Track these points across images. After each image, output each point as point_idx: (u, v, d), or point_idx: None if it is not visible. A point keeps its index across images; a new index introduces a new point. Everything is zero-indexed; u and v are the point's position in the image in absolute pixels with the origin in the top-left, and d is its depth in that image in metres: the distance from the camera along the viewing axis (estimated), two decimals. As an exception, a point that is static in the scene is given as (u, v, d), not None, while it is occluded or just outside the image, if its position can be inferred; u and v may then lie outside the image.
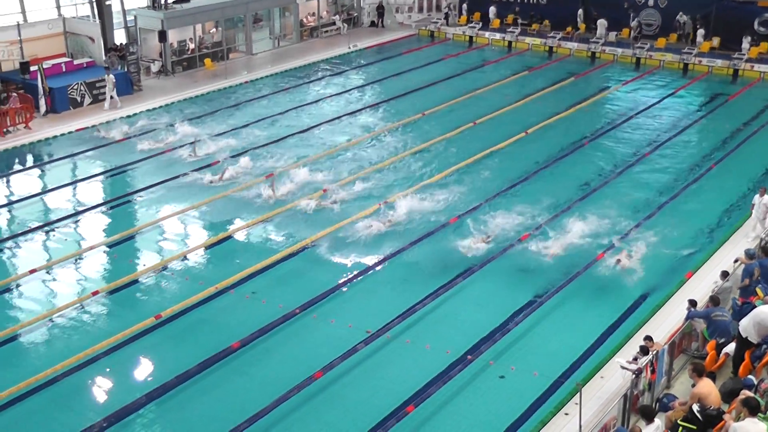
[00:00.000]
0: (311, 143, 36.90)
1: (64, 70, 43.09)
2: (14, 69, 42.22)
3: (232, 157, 34.44)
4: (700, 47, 48.54)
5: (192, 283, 24.65)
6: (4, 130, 38.03)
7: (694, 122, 38.65)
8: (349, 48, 53.24)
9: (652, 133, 37.09)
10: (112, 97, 41.52)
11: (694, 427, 15.36)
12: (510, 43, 52.99)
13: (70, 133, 38.63)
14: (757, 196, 25.61)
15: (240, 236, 28.13)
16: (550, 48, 51.48)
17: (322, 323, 22.46)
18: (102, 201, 31.23)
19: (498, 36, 53.89)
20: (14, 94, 39.51)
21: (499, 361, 20.46)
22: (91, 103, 42.20)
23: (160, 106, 42.27)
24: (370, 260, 25.87)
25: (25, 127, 38.79)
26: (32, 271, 25.42)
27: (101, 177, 33.74)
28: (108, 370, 20.69)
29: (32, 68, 40.84)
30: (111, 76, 39.48)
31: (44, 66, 40.80)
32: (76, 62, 44.20)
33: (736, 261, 22.19)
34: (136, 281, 25.06)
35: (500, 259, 25.66)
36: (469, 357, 20.54)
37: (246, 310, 23.21)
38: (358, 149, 35.90)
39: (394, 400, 18.92)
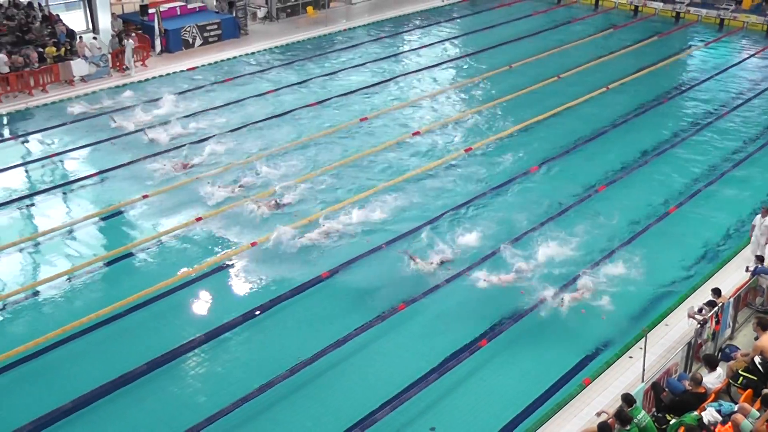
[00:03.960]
0: (404, 90, 37.29)
1: (178, 13, 43.85)
2: (134, 11, 43.27)
3: (322, 102, 35.12)
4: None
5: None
6: (124, 66, 39.10)
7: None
8: (442, 1, 53.03)
9: (730, 93, 36.43)
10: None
11: (755, 378, 15.37)
12: (597, 1, 52.04)
13: (182, 71, 39.52)
14: (758, 217, 21.65)
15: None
16: (636, 7, 50.37)
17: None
18: (219, 131, 31.92)
19: (586, -7, 53.22)
20: (133, 34, 40.36)
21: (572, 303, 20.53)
22: (201, 45, 42.98)
23: (265, 50, 42.90)
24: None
25: (142, 65, 39.80)
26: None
27: (214, 110, 34.52)
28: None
29: (150, 11, 41.81)
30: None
31: (161, 9, 41.82)
32: (189, 6, 45.01)
33: None
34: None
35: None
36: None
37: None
38: (445, 98, 36.15)
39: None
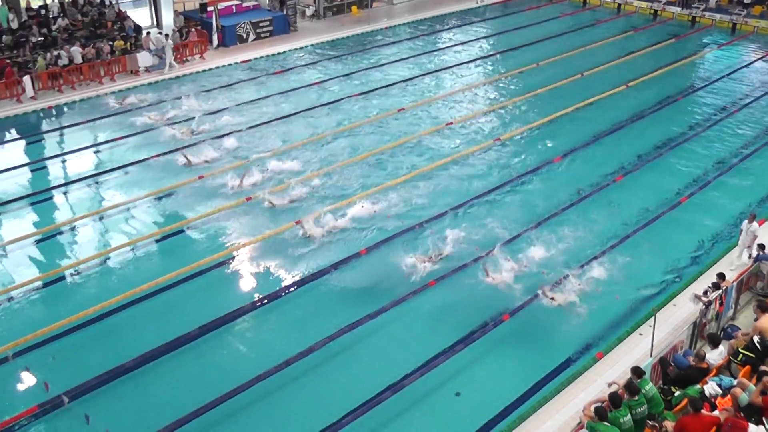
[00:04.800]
0: (439, 84, 37.29)
1: (234, 11, 44.00)
2: (194, 8, 43.59)
3: (365, 93, 35.17)
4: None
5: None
6: (184, 59, 39.45)
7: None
8: (476, 3, 52.79)
9: (741, 92, 36.02)
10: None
11: (753, 356, 15.35)
12: (619, 5, 51.49)
13: (236, 63, 39.77)
14: (745, 222, 20.78)
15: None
16: (655, 11, 49.82)
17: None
18: (270, 119, 32.21)
19: (609, -2, 52.79)
20: (193, 29, 40.76)
21: (589, 282, 20.57)
22: (254, 40, 43.21)
23: (312, 45, 43.04)
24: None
25: (200, 58, 40.13)
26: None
27: (267, 98, 34.92)
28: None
29: (209, 9, 42.15)
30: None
31: (218, 7, 42.14)
32: (244, 4, 45.08)
33: None
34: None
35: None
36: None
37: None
38: (477, 92, 36.07)
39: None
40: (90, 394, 16.91)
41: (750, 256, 20.38)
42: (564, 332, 18.84)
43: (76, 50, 35.74)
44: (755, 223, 20.40)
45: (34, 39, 36.17)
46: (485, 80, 38.05)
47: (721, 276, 18.82)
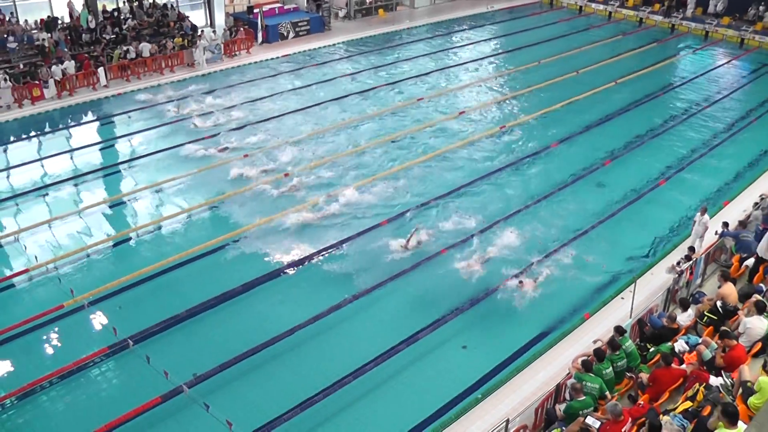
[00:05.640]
0: (453, 78, 37.00)
1: (276, 12, 43.78)
2: (242, 10, 43.41)
3: (390, 84, 35.01)
4: (756, 26, 44.97)
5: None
6: (233, 53, 39.40)
7: (741, 87, 36.40)
8: (487, 8, 52.30)
9: (713, 89, 35.58)
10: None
11: (716, 318, 15.37)
12: (610, 13, 50.56)
13: (278, 57, 39.70)
14: (698, 214, 19.92)
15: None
16: (641, 19, 48.93)
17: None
18: (298, 107, 32.03)
19: (602, 7, 51.49)
20: (241, 28, 40.65)
21: (578, 253, 20.63)
22: (293, 37, 43.03)
23: (343, 42, 42.85)
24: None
25: (246, 52, 40.05)
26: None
27: (306, 87, 34.96)
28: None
29: (255, 10, 41.98)
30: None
31: (263, 9, 42.03)
32: (285, 6, 44.89)
33: (761, 196, 21.67)
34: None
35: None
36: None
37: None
38: (485, 86, 35.77)
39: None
40: (150, 338, 17.12)
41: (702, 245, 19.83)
42: (557, 296, 18.82)
43: (146, 46, 35.92)
44: (706, 216, 19.72)
45: (107, 37, 36.33)
46: (493, 75, 37.70)
47: (692, 249, 18.92)
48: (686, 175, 25.92)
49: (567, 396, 13.63)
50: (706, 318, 15.57)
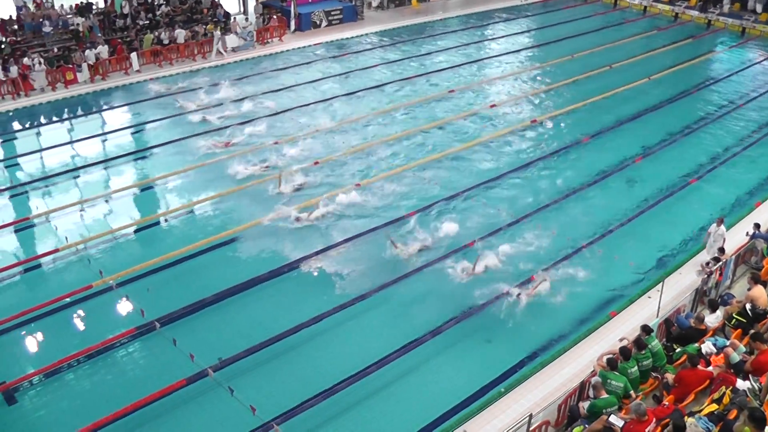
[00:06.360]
0: (485, 70, 36.85)
1: (309, 0, 43.83)
2: (276, -2, 43.52)
3: (422, 75, 34.93)
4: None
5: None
6: (266, 41, 39.49)
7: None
8: (520, 1, 51.91)
9: (748, 87, 34.99)
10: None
11: (745, 320, 15.25)
12: (645, 7, 49.98)
13: (310, 45, 39.75)
14: (713, 225, 19.14)
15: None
16: (676, 14, 48.34)
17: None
18: (331, 96, 32.14)
19: (637, 1, 50.80)
20: (274, 16, 40.69)
21: (607, 250, 20.47)
22: (326, 26, 43.04)
23: (376, 32, 42.78)
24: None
25: (279, 40, 40.13)
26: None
27: (339, 76, 35.10)
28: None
29: (288, -2, 42.05)
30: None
31: (297, -3, 41.97)
32: (318, -5, 45.02)
33: None
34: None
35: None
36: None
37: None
38: (517, 79, 35.54)
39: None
40: (177, 321, 17.24)
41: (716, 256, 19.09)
42: (583, 293, 18.63)
43: (180, 32, 36.12)
44: (722, 227, 18.97)
45: (140, 22, 36.56)
46: (526, 68, 37.40)
47: (722, 250, 18.63)
48: (718, 174, 25.53)
49: (590, 394, 13.55)
50: (734, 320, 15.42)
